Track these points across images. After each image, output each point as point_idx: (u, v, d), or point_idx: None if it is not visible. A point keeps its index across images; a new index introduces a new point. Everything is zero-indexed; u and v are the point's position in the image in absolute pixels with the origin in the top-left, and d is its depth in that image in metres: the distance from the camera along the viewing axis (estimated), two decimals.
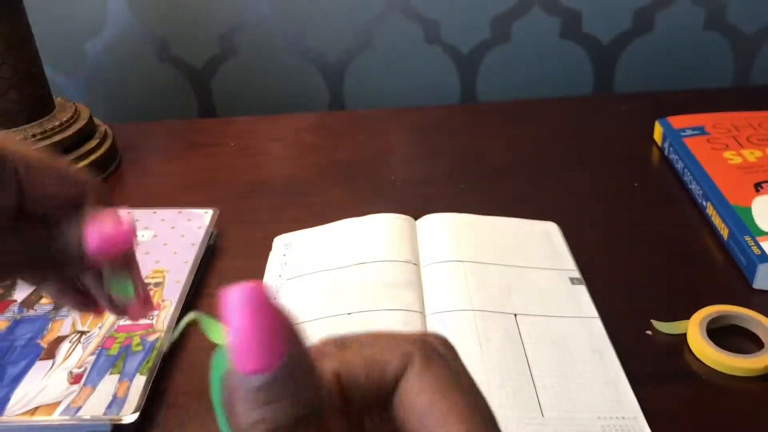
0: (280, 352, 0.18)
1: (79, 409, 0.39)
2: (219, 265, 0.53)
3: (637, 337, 0.44)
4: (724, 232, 0.52)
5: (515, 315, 0.44)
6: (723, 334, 0.43)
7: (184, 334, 0.46)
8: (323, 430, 0.18)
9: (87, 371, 0.42)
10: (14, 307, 0.47)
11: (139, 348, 0.43)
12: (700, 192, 0.57)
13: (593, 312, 0.45)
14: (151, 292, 0.48)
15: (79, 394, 0.40)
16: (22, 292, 0.49)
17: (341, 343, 0.21)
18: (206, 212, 0.57)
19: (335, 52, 0.84)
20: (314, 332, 0.21)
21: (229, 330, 0.18)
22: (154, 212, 0.57)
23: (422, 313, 0.45)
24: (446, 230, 0.52)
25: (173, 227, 0.55)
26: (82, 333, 0.45)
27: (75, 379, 0.41)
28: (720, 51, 0.84)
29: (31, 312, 0.47)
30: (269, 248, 0.53)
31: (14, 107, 0.62)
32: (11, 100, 0.61)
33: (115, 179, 0.67)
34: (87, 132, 0.66)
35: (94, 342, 0.44)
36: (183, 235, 0.54)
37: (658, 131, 0.67)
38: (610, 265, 0.51)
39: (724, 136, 0.62)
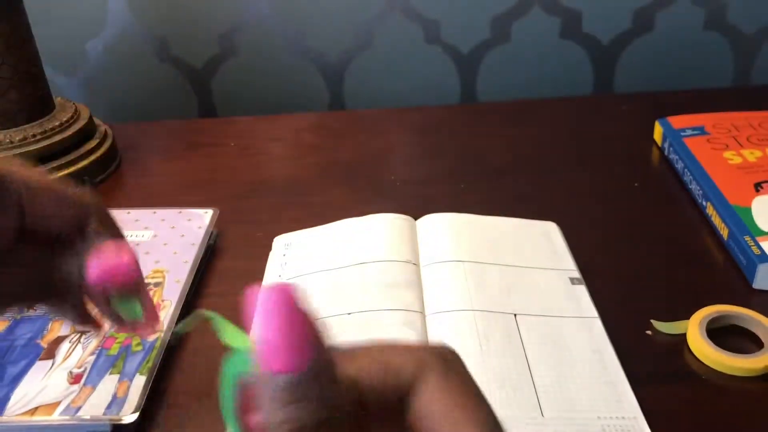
0: (308, 353, 0.18)
1: (79, 409, 0.39)
2: (219, 265, 0.53)
3: (637, 337, 0.44)
4: (724, 232, 0.52)
5: (515, 315, 0.44)
6: (723, 334, 0.43)
7: (184, 334, 0.46)
8: None
9: (87, 371, 0.42)
10: None
11: (139, 348, 0.43)
12: (700, 192, 0.57)
13: (593, 312, 0.45)
14: (151, 292, 0.48)
15: (79, 394, 0.40)
16: None
17: (357, 349, 0.21)
18: (206, 212, 0.57)
19: (335, 52, 0.84)
20: None
21: (259, 329, 0.18)
22: (154, 212, 0.57)
23: (422, 313, 0.45)
24: (446, 230, 0.52)
25: (173, 227, 0.55)
26: (82, 333, 0.45)
27: (75, 379, 0.41)
28: (720, 51, 0.84)
29: (31, 312, 0.47)
30: (269, 248, 0.53)
31: (14, 107, 0.62)
32: (11, 100, 0.61)
33: (115, 179, 0.67)
34: (87, 132, 0.66)
35: (94, 342, 0.44)
36: (183, 235, 0.54)
37: (658, 131, 0.67)
38: (610, 265, 0.51)
39: (724, 136, 0.62)
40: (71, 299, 0.33)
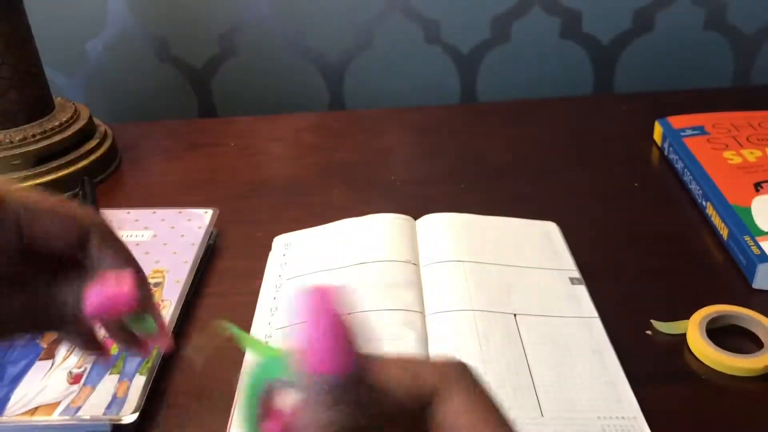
0: (353, 357, 0.19)
1: (78, 409, 0.39)
2: (219, 264, 0.53)
3: (637, 337, 0.44)
4: (724, 232, 0.52)
5: (515, 315, 0.44)
6: (723, 334, 0.43)
7: (183, 334, 0.46)
8: None
9: (87, 371, 0.42)
10: None
11: None
12: (699, 192, 0.57)
13: (593, 312, 0.45)
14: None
15: (79, 394, 0.40)
16: None
17: (387, 358, 0.22)
18: (206, 212, 0.57)
19: (335, 52, 0.84)
20: None
21: (306, 330, 0.18)
22: (154, 212, 0.57)
23: (422, 313, 0.45)
24: (446, 230, 0.52)
25: (173, 227, 0.55)
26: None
27: (75, 379, 0.41)
28: (720, 51, 0.84)
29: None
30: (269, 248, 0.53)
31: (14, 107, 0.62)
32: (11, 100, 0.61)
33: (115, 179, 0.67)
34: (87, 132, 0.66)
35: None
36: (183, 235, 0.54)
37: (658, 131, 0.67)
38: (610, 265, 0.51)
39: (723, 136, 0.62)
40: (73, 327, 0.32)
